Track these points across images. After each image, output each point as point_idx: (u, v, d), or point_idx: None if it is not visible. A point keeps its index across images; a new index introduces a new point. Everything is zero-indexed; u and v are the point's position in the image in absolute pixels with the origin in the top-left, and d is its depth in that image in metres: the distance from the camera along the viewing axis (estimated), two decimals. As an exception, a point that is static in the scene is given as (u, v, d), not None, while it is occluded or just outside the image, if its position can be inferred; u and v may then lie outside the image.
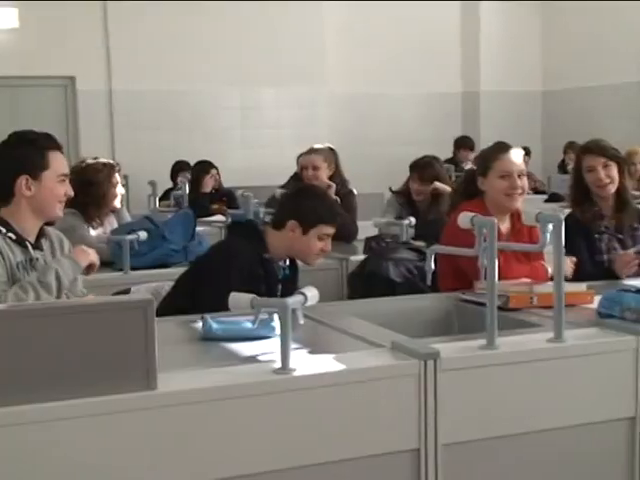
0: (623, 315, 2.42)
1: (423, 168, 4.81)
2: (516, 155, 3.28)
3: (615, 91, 9.16)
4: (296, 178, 4.96)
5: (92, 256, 2.79)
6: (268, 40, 8.55)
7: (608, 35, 9.17)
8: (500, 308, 2.47)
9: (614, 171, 3.57)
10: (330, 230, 2.98)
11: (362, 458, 2.07)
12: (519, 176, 3.23)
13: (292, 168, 5.31)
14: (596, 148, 3.62)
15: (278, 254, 2.99)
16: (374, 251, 3.90)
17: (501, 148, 3.32)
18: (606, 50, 9.20)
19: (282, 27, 8.58)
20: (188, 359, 2.23)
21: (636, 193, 6.59)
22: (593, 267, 3.38)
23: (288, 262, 3.07)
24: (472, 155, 8.54)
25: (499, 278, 2.66)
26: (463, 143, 8.61)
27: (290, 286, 2.92)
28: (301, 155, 4.98)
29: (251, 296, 2.13)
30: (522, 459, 2.26)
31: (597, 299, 2.61)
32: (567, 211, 3.70)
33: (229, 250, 2.98)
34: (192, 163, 7.23)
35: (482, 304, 2.33)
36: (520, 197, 3.20)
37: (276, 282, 2.97)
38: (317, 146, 5.00)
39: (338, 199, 4.65)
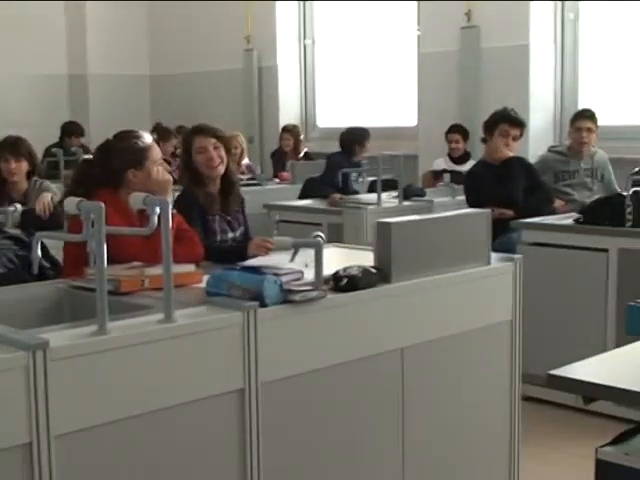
0: (230, 292, 2.52)
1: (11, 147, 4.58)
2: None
3: (219, 77, 9.50)
4: None
5: None
6: None
7: (212, 22, 9.47)
8: (111, 292, 2.46)
9: (223, 152, 3.71)
10: None
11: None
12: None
13: None
14: (206, 129, 3.74)
15: None
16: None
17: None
18: (210, 37, 9.50)
19: None
20: None
21: (240, 177, 6.93)
22: (206, 247, 3.46)
23: None
24: (81, 141, 8.42)
25: (119, 261, 2.68)
26: (71, 129, 8.46)
27: None
28: None
29: None
30: (150, 439, 2.27)
31: (206, 278, 2.70)
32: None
33: None
34: None
35: (93, 290, 2.30)
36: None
37: None
38: None
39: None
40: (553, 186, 5.73)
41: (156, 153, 3.24)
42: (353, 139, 6.93)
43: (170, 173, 3.44)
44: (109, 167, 3.20)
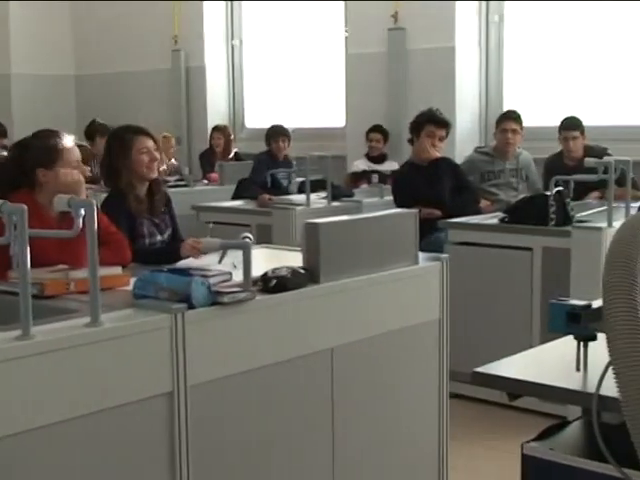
0: (157, 295, 2.49)
1: None
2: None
3: (146, 77, 9.41)
4: None
5: None
6: None
7: (139, 22, 9.38)
8: (36, 296, 2.42)
9: (158, 153, 3.70)
10: None
11: None
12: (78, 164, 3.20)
13: None
14: (146, 130, 3.71)
15: None
16: None
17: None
18: (137, 37, 9.41)
19: None
20: None
21: (168, 178, 6.90)
22: (136, 250, 3.42)
23: None
24: (4, 141, 8.26)
25: (38, 264, 2.62)
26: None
27: None
28: None
29: None
30: (77, 444, 2.24)
31: (133, 281, 2.67)
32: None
33: None
34: None
35: (17, 293, 2.25)
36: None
37: None
38: None
39: None
40: (479, 186, 5.82)
41: (71, 155, 3.17)
42: (266, 137, 7.05)
43: (94, 174, 3.40)
44: (22, 165, 3.15)
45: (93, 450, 2.28)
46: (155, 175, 3.67)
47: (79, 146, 6.05)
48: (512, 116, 5.95)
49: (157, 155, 3.65)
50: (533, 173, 6.11)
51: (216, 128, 8.40)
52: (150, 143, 3.66)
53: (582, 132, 6.02)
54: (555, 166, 5.86)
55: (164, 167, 7.39)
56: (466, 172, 5.75)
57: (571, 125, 6.02)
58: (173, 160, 7.91)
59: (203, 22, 9.13)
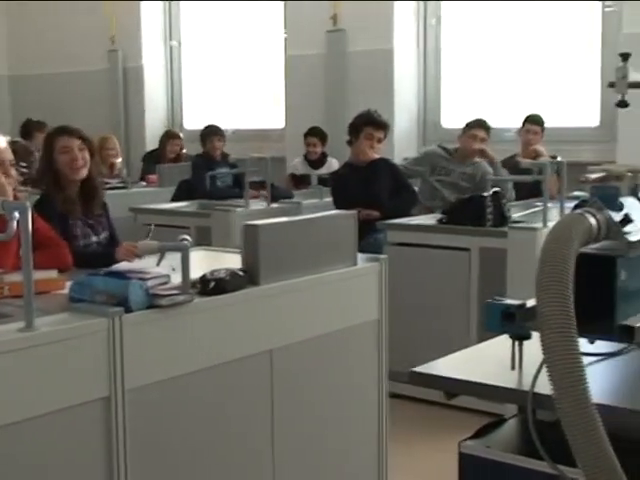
0: (94, 298, 2.46)
1: None
2: None
3: (83, 78, 9.30)
4: None
5: None
6: None
7: (74, 22, 9.26)
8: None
9: (87, 154, 3.63)
10: None
11: None
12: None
13: None
14: (72, 129, 3.67)
15: None
16: None
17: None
18: (73, 37, 9.29)
19: None
20: None
21: (110, 180, 6.77)
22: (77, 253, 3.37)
23: None
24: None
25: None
26: None
27: None
28: None
29: None
30: (12, 452, 2.20)
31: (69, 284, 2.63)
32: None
33: None
34: None
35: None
36: None
37: None
38: None
39: None
40: (427, 178, 5.82)
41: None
42: (201, 138, 7.02)
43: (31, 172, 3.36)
44: None
45: (28, 456, 2.24)
46: (81, 175, 3.61)
47: (14, 142, 5.96)
48: (484, 125, 5.91)
49: (78, 154, 3.59)
50: (495, 170, 6.00)
51: (174, 135, 8.27)
52: (72, 142, 3.60)
53: (542, 130, 6.34)
54: (508, 166, 5.91)
55: (119, 166, 7.30)
56: (418, 160, 5.85)
57: (535, 120, 6.37)
58: (118, 161, 7.79)
59: (140, 22, 9.05)
